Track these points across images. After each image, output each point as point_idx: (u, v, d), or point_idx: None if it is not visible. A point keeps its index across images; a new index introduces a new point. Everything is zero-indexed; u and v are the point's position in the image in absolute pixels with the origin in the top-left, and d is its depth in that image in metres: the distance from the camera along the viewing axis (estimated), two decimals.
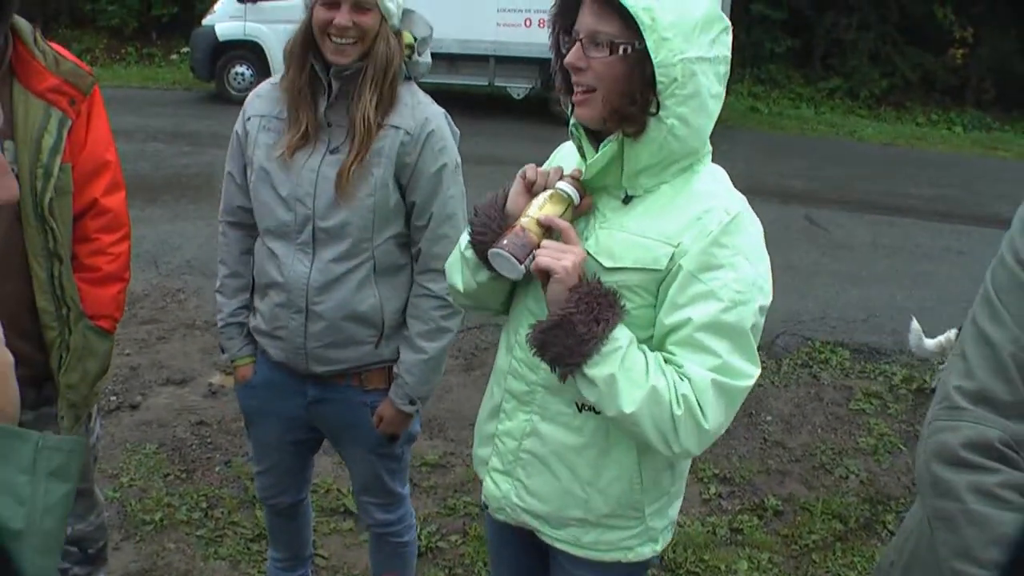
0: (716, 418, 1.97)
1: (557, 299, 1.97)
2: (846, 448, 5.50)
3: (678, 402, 1.94)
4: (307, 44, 2.73)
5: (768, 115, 19.92)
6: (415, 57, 2.85)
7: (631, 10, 1.86)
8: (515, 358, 2.25)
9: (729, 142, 14.59)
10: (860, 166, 14.89)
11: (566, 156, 2.30)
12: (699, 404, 1.94)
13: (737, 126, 17.39)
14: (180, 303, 7.12)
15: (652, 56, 1.88)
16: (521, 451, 2.27)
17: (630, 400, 1.94)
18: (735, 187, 2.14)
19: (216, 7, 17.50)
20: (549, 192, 2.05)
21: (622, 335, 1.98)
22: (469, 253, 2.19)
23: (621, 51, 1.93)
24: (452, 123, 2.91)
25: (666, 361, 1.99)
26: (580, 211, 2.09)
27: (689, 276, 1.97)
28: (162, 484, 4.71)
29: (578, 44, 1.97)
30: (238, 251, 3.06)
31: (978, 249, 9.50)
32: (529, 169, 2.13)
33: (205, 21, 17.46)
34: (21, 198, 2.62)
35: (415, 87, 2.88)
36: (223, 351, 3.17)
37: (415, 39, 2.85)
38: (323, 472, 4.60)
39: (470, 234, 2.19)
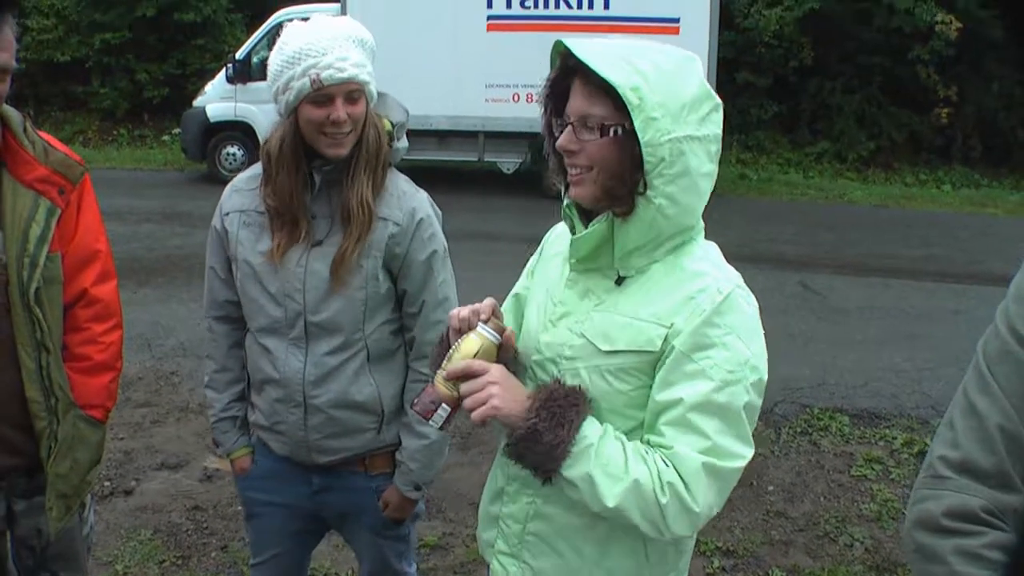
0: (706, 500, 1.95)
1: (514, 412, 1.99)
2: (850, 515, 5.44)
3: (663, 490, 1.92)
4: (298, 145, 2.69)
5: (757, 181, 20.03)
6: (394, 143, 2.85)
7: (619, 90, 1.86)
8: None
9: (720, 210, 14.59)
10: (851, 229, 14.95)
11: (558, 238, 2.32)
12: (687, 488, 1.92)
13: (727, 194, 17.48)
14: (174, 386, 7.08)
15: (639, 136, 1.88)
16: (526, 534, 2.24)
17: (611, 495, 1.94)
18: (728, 255, 2.14)
19: (207, 88, 17.71)
20: (467, 335, 2.05)
21: (590, 431, 1.97)
22: None
23: (612, 133, 1.93)
24: (434, 205, 2.92)
25: (654, 444, 1.98)
26: (507, 348, 2.11)
27: (681, 355, 1.96)
28: (158, 571, 4.64)
29: (569, 127, 1.98)
30: (227, 345, 3.03)
31: (974, 307, 9.49)
32: (452, 317, 2.13)
33: (196, 102, 17.64)
34: (9, 288, 2.63)
35: (396, 173, 2.88)
36: (217, 445, 3.13)
37: (392, 124, 2.85)
38: (320, 555, 4.53)
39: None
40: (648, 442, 2.00)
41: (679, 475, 1.92)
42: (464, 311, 2.11)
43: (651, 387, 2.02)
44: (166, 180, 17.64)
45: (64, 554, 2.99)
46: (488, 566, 2.41)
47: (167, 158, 20.14)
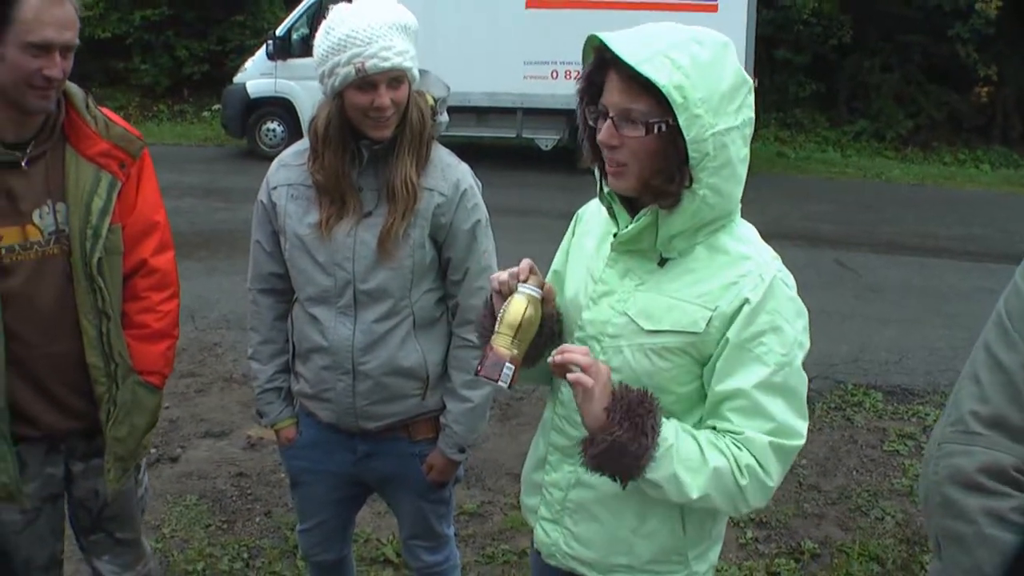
0: (777, 473, 2.05)
1: (595, 419, 2.00)
2: (881, 490, 5.49)
3: (742, 473, 2.01)
4: (344, 126, 2.77)
5: (795, 159, 19.94)
6: (437, 118, 2.93)
7: (663, 89, 1.87)
8: (557, 413, 2.31)
9: (757, 188, 14.56)
10: (889, 208, 14.90)
11: (593, 215, 2.36)
12: (762, 467, 2.02)
13: (765, 171, 17.40)
14: (218, 357, 7.22)
15: (684, 133, 1.90)
16: (567, 501, 2.31)
17: (695, 487, 2.01)
18: (765, 232, 2.18)
19: (247, 64, 17.83)
20: (512, 297, 2.13)
21: (669, 432, 2.02)
22: None
23: (656, 130, 1.94)
24: (476, 177, 3.00)
25: (722, 430, 2.06)
26: (548, 301, 2.19)
27: (736, 347, 2.02)
28: (203, 535, 4.77)
29: (610, 122, 1.98)
30: (271, 318, 3.12)
31: None
32: (492, 280, 2.20)
33: (236, 78, 17.77)
34: (72, 258, 2.73)
35: (439, 146, 2.96)
36: (261, 416, 3.21)
37: (434, 100, 2.93)
38: (362, 522, 4.61)
39: (480, 344, 2.29)
40: (715, 428, 2.08)
41: (753, 456, 2.02)
42: (503, 275, 2.17)
43: (693, 363, 2.10)
44: (206, 156, 17.79)
45: (120, 515, 3.10)
46: (531, 532, 2.48)
47: (207, 134, 20.27)
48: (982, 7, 20.13)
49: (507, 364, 2.09)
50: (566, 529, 2.33)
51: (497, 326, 2.13)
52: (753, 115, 2.04)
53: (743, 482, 2.01)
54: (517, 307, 2.11)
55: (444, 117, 2.98)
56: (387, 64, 2.65)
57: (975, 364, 1.77)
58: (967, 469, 1.68)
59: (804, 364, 2.09)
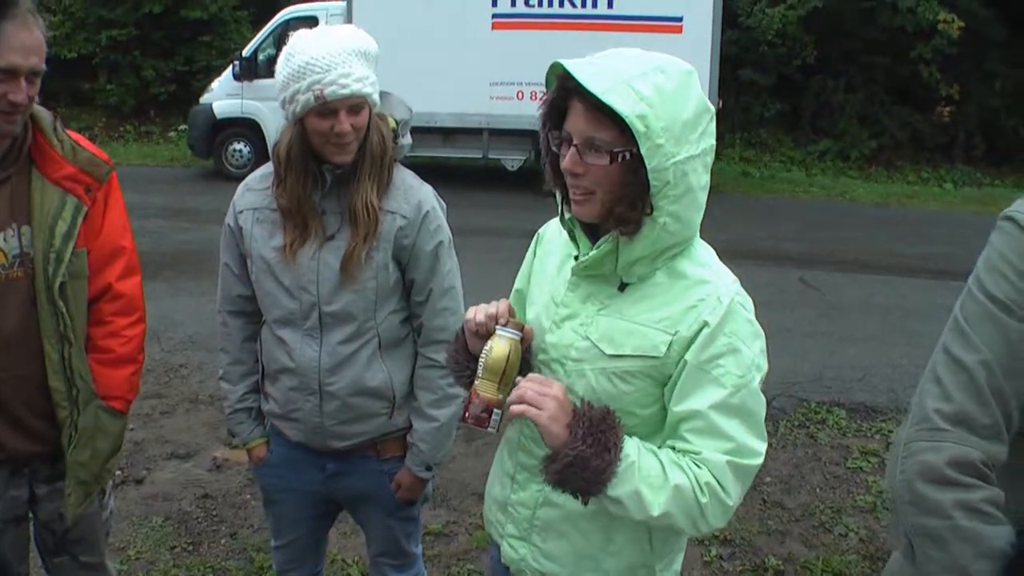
0: (736, 493, 2.06)
1: (556, 437, 2.02)
2: (845, 506, 5.54)
3: (702, 491, 2.02)
4: (305, 151, 2.80)
5: (760, 179, 20.09)
6: (399, 140, 2.96)
7: (626, 118, 1.88)
8: (524, 434, 2.33)
9: (722, 207, 14.73)
10: (852, 227, 15.03)
11: (553, 236, 2.39)
12: (721, 486, 2.03)
13: (729, 191, 17.54)
14: (183, 378, 7.20)
15: (646, 162, 1.92)
16: (535, 519, 2.33)
17: (656, 504, 2.02)
18: (729, 251, 2.22)
19: (213, 85, 17.85)
20: (493, 339, 2.13)
21: (631, 448, 2.04)
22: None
23: (620, 159, 1.96)
24: (439, 198, 3.03)
25: (680, 450, 2.07)
26: (526, 342, 2.19)
27: (694, 368, 2.04)
28: (169, 556, 4.75)
29: (574, 149, 2.00)
30: (240, 339, 3.14)
31: None
32: (468, 321, 2.21)
33: (203, 99, 17.77)
34: (34, 282, 2.73)
35: (401, 168, 2.99)
36: (233, 435, 3.23)
37: (396, 122, 2.96)
38: (329, 542, 4.61)
39: (455, 378, 2.34)
40: (674, 448, 2.09)
41: (712, 475, 2.03)
42: (480, 315, 2.18)
43: (653, 385, 2.12)
44: (173, 176, 17.76)
45: (84, 538, 3.10)
46: (494, 547, 2.50)
47: (173, 154, 20.25)
48: (944, 28, 20.37)
49: (495, 411, 2.11)
50: (534, 546, 2.35)
51: (480, 372, 2.13)
52: (714, 142, 2.06)
53: (703, 500, 2.02)
54: (500, 352, 2.11)
55: (406, 139, 3.01)
56: (346, 91, 2.68)
57: (935, 367, 1.83)
58: (936, 464, 1.72)
59: (767, 382, 2.12)
